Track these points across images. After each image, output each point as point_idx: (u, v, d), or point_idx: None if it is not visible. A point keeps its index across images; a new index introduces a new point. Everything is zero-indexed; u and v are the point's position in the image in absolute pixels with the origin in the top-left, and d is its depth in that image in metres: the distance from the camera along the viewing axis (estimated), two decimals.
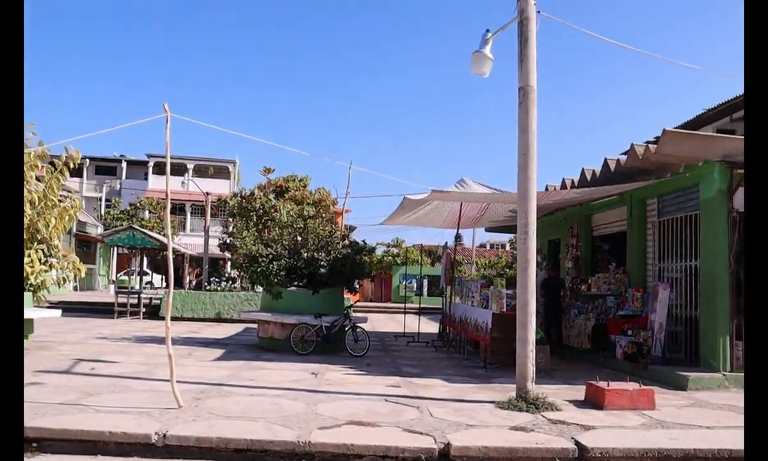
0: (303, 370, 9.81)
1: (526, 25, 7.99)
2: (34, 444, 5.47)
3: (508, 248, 61.42)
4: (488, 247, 66.31)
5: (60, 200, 12.49)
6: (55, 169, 12.31)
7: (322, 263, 12.53)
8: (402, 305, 35.42)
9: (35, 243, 11.74)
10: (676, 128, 27.05)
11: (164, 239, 27.15)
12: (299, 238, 13.27)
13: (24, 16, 4.22)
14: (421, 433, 5.91)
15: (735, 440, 6.07)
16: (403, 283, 42.72)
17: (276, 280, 12.50)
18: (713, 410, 7.68)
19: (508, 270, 39.00)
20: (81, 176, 51.98)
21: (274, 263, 12.51)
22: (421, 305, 22.48)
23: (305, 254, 12.69)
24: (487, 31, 9.03)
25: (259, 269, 12.51)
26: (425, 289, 40.35)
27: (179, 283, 44.54)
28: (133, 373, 8.88)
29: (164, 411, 6.39)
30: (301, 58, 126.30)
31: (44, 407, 6.33)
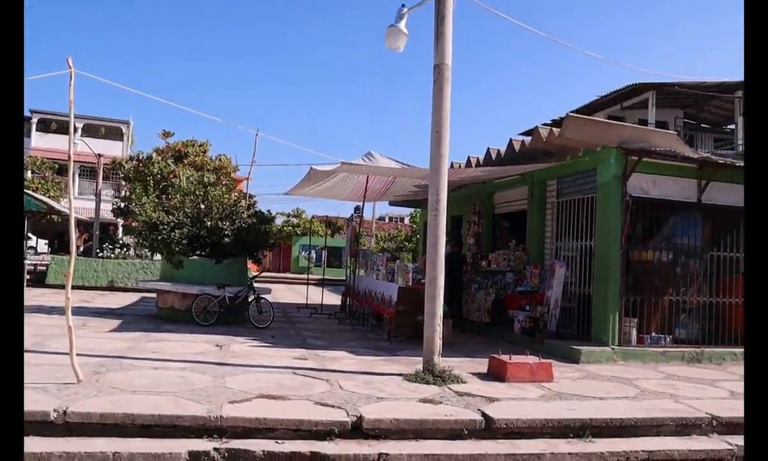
0: (207, 342, 9.59)
1: (443, 2, 8.04)
2: None
3: (407, 221, 62.37)
4: (387, 220, 67.03)
5: None
6: None
7: (226, 232, 12.23)
8: (301, 276, 35.43)
9: None
10: (571, 112, 28.28)
11: (51, 202, 25.64)
12: (202, 206, 12.87)
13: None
14: (333, 406, 5.94)
15: (625, 409, 6.55)
16: (303, 254, 42.59)
17: (177, 249, 12.09)
18: (604, 382, 8.18)
19: (407, 243, 39.69)
20: None
21: (176, 231, 12.08)
22: (326, 277, 22.50)
23: (209, 223, 12.34)
24: (403, 6, 9.02)
25: (159, 237, 12.04)
26: (324, 260, 40.45)
27: (65, 248, 42.24)
28: None
29: (62, 387, 6.06)
30: (209, 24, 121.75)
31: None
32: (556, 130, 10.42)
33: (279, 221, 43.70)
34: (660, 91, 27.20)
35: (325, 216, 33.14)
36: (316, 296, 18.40)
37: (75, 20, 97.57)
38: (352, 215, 19.47)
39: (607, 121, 15.12)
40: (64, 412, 5.21)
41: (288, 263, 43.87)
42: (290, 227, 43.96)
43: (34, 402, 5.43)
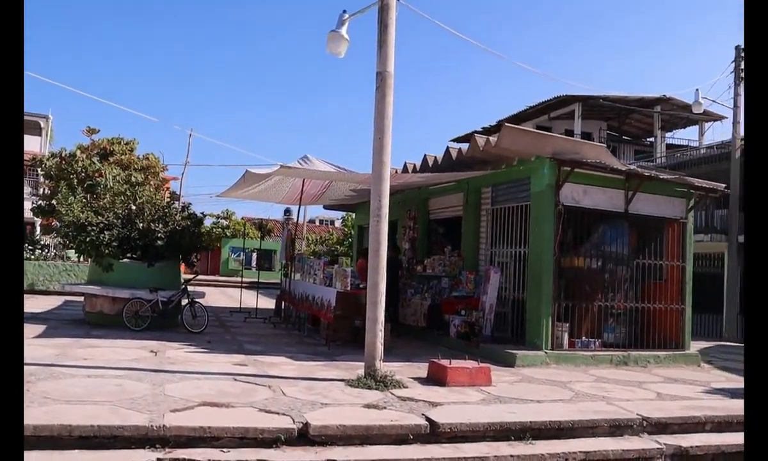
0: (141, 348, 9.31)
1: (386, 11, 8.11)
2: None
3: (337, 224, 62.24)
4: (318, 223, 66.71)
5: None
6: None
7: (159, 234, 11.91)
8: (231, 279, 34.83)
9: None
10: (502, 121, 28.99)
11: None
12: (134, 207, 12.49)
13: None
14: (278, 413, 5.89)
15: (561, 412, 6.77)
16: (233, 256, 41.89)
17: (107, 251, 11.67)
18: (539, 385, 8.43)
19: (339, 247, 39.55)
20: None
21: (106, 232, 11.66)
22: (253, 280, 22.19)
23: (140, 225, 11.98)
24: (344, 11, 9.07)
25: (88, 239, 11.59)
26: (254, 263, 39.91)
27: None
28: None
29: None
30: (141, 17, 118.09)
31: None
32: (492, 139, 10.68)
33: (208, 222, 42.83)
34: (585, 103, 28.30)
35: (259, 219, 32.65)
36: (249, 299, 18.14)
37: None
38: (286, 218, 19.31)
39: (542, 132, 15.59)
40: None
41: (217, 265, 43.01)
42: (219, 229, 43.11)
43: None
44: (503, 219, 12.13)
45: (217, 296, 22.77)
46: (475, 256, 13.02)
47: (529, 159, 10.80)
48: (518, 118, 29.51)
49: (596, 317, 11.27)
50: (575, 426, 6.45)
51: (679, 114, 28.47)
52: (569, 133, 27.06)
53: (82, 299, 14.32)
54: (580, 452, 5.97)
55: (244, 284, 20.78)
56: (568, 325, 10.80)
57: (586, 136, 28.14)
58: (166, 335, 10.80)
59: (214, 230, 42.80)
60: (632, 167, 13.03)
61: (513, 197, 11.91)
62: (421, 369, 8.70)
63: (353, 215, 35.60)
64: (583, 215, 11.06)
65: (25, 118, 45.91)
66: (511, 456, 5.72)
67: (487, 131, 28.43)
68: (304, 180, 13.86)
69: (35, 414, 5.29)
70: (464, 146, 12.10)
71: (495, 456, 5.66)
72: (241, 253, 40.62)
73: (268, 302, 17.84)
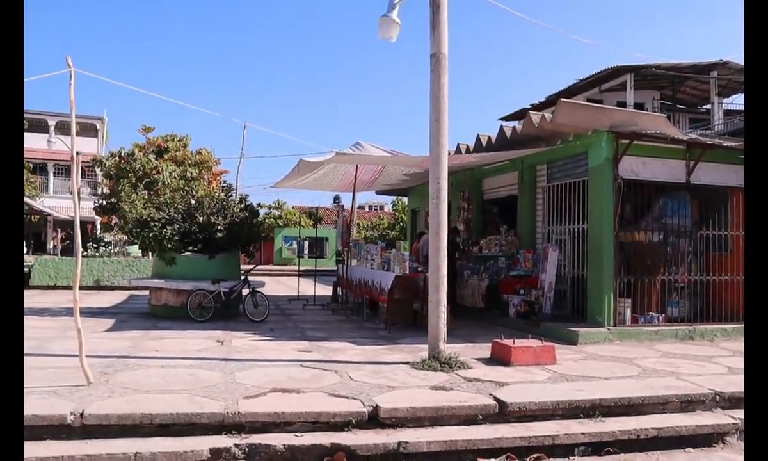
0: (207, 338, 9.56)
1: None
2: None
3: (386, 209, 62.34)
4: (367, 209, 66.94)
5: None
6: None
7: (219, 227, 12.17)
8: (286, 268, 35.32)
9: None
10: (549, 96, 28.49)
11: (31, 202, 25.26)
12: (193, 201, 12.79)
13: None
14: (347, 397, 5.98)
15: (630, 388, 6.68)
16: (286, 245, 42.40)
17: (170, 245, 12.01)
18: (605, 362, 8.32)
19: (390, 232, 39.69)
20: None
21: (167, 227, 12.00)
22: (309, 268, 22.42)
23: (200, 218, 12.26)
24: None
25: (151, 235, 11.95)
26: (306, 251, 40.31)
27: (42, 248, 41.67)
28: None
29: (73, 389, 6.01)
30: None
31: None
32: (547, 115, 10.51)
33: (261, 213, 43.49)
34: (637, 73, 27.57)
35: (315, 207, 33.00)
36: (304, 287, 18.38)
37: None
38: (340, 205, 19.46)
39: (599, 105, 15.28)
40: (81, 414, 5.19)
41: (270, 255, 43.59)
42: (272, 219, 43.72)
43: (48, 405, 5.41)
44: (560, 196, 11.95)
45: (273, 285, 23.10)
46: (531, 234, 12.89)
47: (586, 133, 10.59)
48: (568, 92, 28.96)
49: (659, 292, 11.02)
50: (645, 403, 6.35)
51: (736, 78, 27.43)
52: (621, 105, 26.39)
53: (145, 293, 14.81)
54: (652, 428, 5.88)
55: (293, 272, 20.99)
56: (630, 301, 10.59)
57: (639, 107, 27.44)
58: (229, 325, 11.05)
59: (267, 220, 43.47)
60: (693, 135, 12.63)
61: (570, 173, 11.72)
62: (484, 350, 8.69)
63: (404, 200, 35.69)
64: (643, 188, 10.80)
65: (82, 120, 47.56)
66: (582, 433, 5.68)
67: (537, 108, 27.98)
68: (357, 167, 13.92)
69: (118, 404, 5.52)
70: (518, 125, 11.93)
71: (566, 434, 5.63)
72: (294, 242, 41.08)
73: (323, 290, 18.07)
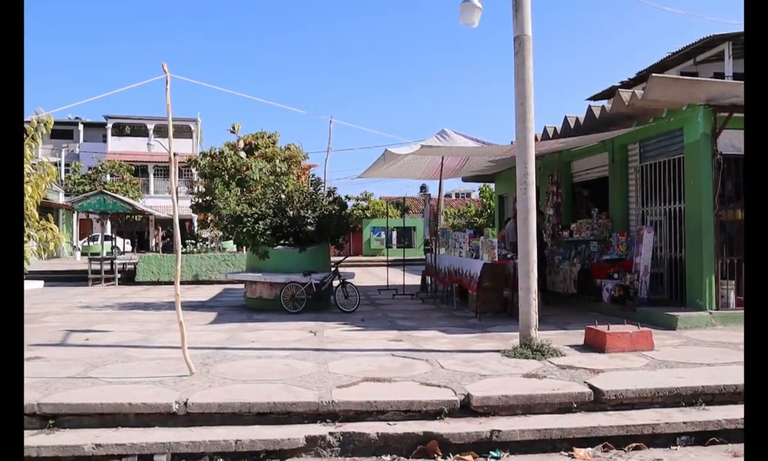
0: (300, 329, 9.82)
1: None
2: (51, 421, 5.39)
3: (473, 196, 61.85)
4: (453, 197, 66.60)
5: (34, 168, 12.07)
6: (26, 135, 11.85)
7: (308, 220, 12.44)
8: (374, 259, 35.75)
9: None
10: (639, 73, 27.30)
11: (134, 203, 26.66)
12: (283, 196, 13.14)
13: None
14: (438, 386, 6.00)
15: (736, 375, 6.30)
16: (374, 236, 42.89)
17: (262, 240, 12.39)
18: (707, 347, 7.95)
19: (478, 219, 39.38)
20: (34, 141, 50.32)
21: (260, 222, 12.38)
22: (397, 258, 22.59)
23: (291, 212, 12.58)
24: None
25: (244, 230, 12.38)
26: (393, 241, 40.63)
27: (145, 246, 43.95)
28: (129, 342, 8.77)
29: (177, 379, 6.33)
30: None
31: (54, 382, 6.22)
32: (638, 92, 10.10)
33: (349, 205, 44.16)
34: (736, 42, 25.91)
35: (402, 197, 33.16)
36: (392, 277, 18.53)
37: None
38: (427, 194, 19.48)
39: (694, 78, 14.52)
40: (185, 403, 5.46)
41: (359, 246, 44.25)
42: (360, 211, 44.31)
43: (155, 394, 5.71)
44: (653, 175, 11.48)
45: (362, 276, 23.43)
46: (624, 216, 12.45)
47: (681, 109, 10.12)
48: (660, 67, 27.56)
49: None
50: None
51: None
52: (719, 76, 24.96)
53: (239, 286, 15.38)
54: None
55: (382, 263, 21.20)
56: (734, 283, 10.05)
57: (738, 77, 25.79)
58: (321, 316, 11.31)
59: (355, 211, 44.09)
60: None
61: (663, 151, 11.23)
62: (576, 336, 8.50)
63: (491, 186, 35.28)
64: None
65: (178, 122, 49.63)
66: (684, 422, 5.45)
67: (626, 85, 26.89)
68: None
69: (218, 394, 5.77)
70: (607, 104, 11.52)
71: (666, 423, 5.42)
72: (382, 233, 41.49)
73: (411, 279, 18.16)
